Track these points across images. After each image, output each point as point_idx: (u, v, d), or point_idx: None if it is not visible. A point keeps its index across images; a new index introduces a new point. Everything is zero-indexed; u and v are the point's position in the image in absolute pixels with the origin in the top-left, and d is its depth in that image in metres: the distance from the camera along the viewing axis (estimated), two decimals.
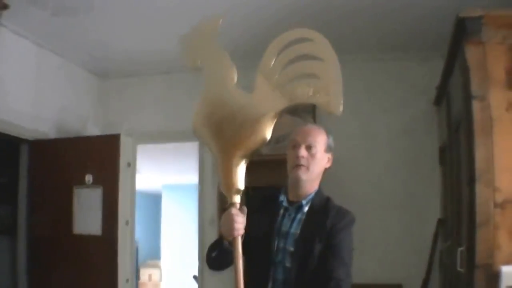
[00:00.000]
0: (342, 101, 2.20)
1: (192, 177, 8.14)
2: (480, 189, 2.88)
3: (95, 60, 5.50)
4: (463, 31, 3.11)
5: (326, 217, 2.46)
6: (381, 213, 5.05)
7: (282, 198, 2.60)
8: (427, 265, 4.75)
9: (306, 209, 2.53)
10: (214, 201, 5.53)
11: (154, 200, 13.48)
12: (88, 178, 4.77)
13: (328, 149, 2.58)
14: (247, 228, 2.29)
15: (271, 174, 5.49)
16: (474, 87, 2.98)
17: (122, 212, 4.78)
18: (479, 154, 2.90)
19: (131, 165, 5.06)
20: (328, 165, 2.61)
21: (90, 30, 4.71)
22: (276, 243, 2.49)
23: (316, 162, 2.51)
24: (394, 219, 5.06)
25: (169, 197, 13.21)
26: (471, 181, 2.93)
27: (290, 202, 2.57)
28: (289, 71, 2.22)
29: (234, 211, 2.23)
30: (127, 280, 4.90)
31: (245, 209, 2.25)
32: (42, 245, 4.79)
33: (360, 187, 5.17)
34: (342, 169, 5.21)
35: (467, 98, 3.01)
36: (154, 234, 13.37)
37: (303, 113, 5.57)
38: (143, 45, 5.09)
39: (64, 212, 4.79)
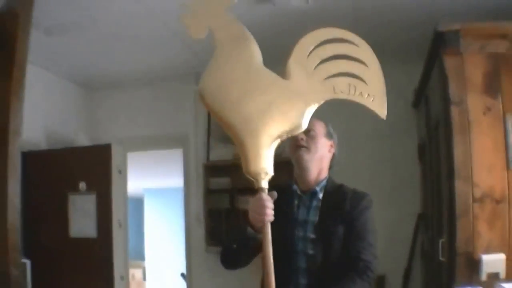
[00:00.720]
0: (386, 106, 2.33)
1: (173, 181, 8.29)
2: (459, 184, 3.08)
3: (82, 73, 5.66)
4: (441, 42, 3.30)
5: (343, 201, 2.45)
6: None
7: (295, 188, 2.56)
8: (408, 256, 4.95)
9: (320, 195, 2.50)
10: (200, 202, 5.69)
11: (136, 203, 13.57)
12: (82, 185, 4.92)
13: (329, 135, 2.58)
14: None
15: (279, 176, 5.63)
16: (452, 93, 3.18)
17: (115, 216, 4.95)
18: (458, 153, 3.11)
19: (122, 172, 5.22)
20: (332, 152, 2.59)
21: (77, 47, 4.88)
22: (295, 232, 2.45)
23: (316, 143, 2.50)
24: (376, 215, 5.25)
25: (151, 201, 13.34)
26: (451, 177, 3.12)
27: (303, 192, 2.53)
28: (331, 66, 2.20)
29: (265, 196, 2.10)
30: (122, 277, 5.06)
31: (275, 194, 2.14)
32: (40, 250, 4.90)
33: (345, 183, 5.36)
34: None
35: (446, 103, 3.21)
36: (137, 236, 13.46)
37: None
38: (128, 58, 5.25)
39: (60, 217, 4.94)
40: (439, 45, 3.35)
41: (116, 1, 4.07)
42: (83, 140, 5.49)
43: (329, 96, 2.22)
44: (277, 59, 5.28)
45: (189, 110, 5.81)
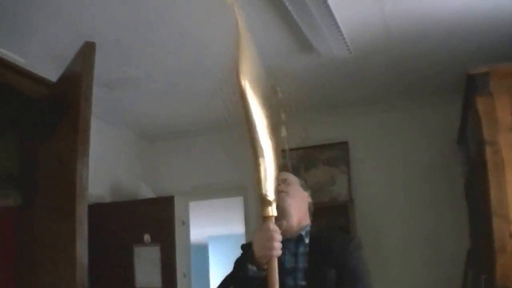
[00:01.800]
0: None
1: (236, 228, 8.32)
2: (496, 222, 3.14)
3: (142, 125, 5.81)
4: (472, 85, 3.42)
5: (331, 244, 2.28)
6: (411, 248, 5.18)
7: None
8: None
9: (307, 240, 2.31)
10: None
11: (201, 250, 13.62)
12: (147, 237, 5.01)
13: (304, 186, 2.47)
14: None
15: (335, 220, 5.63)
16: (485, 134, 3.26)
17: (179, 266, 5.00)
18: (493, 191, 3.18)
19: (185, 223, 5.29)
20: (307, 201, 2.45)
21: (136, 99, 5.05)
22: (285, 281, 2.17)
23: (294, 189, 2.37)
24: (424, 253, 5.16)
25: (215, 248, 13.35)
26: (488, 214, 3.19)
27: (286, 239, 2.21)
28: None
29: (272, 225, 1.87)
30: None
31: (284, 223, 2.04)
32: None
33: (391, 227, 5.30)
34: (371, 211, 5.37)
35: (480, 143, 3.30)
36: (202, 283, 13.46)
37: (338, 163, 5.72)
38: (184, 109, 5.39)
39: (126, 269, 5.02)
40: (471, 88, 3.45)
41: (169, 58, 4.22)
42: (146, 191, 5.59)
43: None
44: (319, 107, 5.34)
45: (246, 158, 5.85)
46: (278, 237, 1.85)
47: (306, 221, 2.40)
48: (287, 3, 3.39)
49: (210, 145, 5.97)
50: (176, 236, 4.98)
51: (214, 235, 13.07)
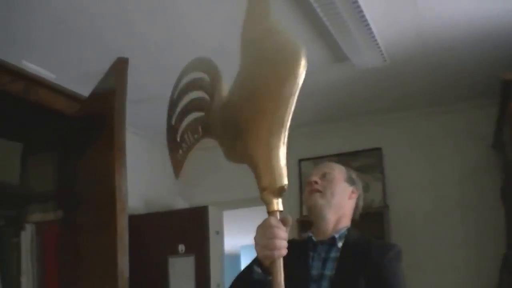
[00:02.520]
0: None
1: None
2: None
3: None
4: (508, 90, 3.49)
5: (368, 249, 2.11)
6: (447, 254, 5.13)
7: (310, 237, 2.23)
8: None
9: (340, 244, 2.15)
10: None
11: (233, 260, 13.60)
12: (181, 247, 5.04)
13: (350, 181, 2.30)
14: None
15: (368, 228, 5.60)
16: None
17: (213, 276, 5.02)
18: None
19: (219, 233, 5.29)
20: (353, 198, 2.29)
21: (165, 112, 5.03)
22: None
23: (333, 187, 2.22)
24: (463, 257, 5.09)
25: (248, 257, 13.21)
26: None
27: (319, 242, 2.19)
28: None
29: (274, 221, 1.52)
30: None
31: (289, 218, 1.57)
32: None
33: (426, 233, 5.25)
34: (406, 217, 5.32)
35: None
36: None
37: (372, 169, 5.67)
38: None
39: (161, 280, 5.05)
40: (507, 92, 3.50)
41: None
42: (180, 202, 5.60)
43: None
44: (353, 114, 5.34)
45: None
46: (282, 234, 1.52)
47: (344, 223, 2.24)
48: (321, 14, 3.40)
49: None
50: (210, 246, 5.01)
51: (247, 244, 13.03)
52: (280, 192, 1.50)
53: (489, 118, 4.63)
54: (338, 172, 2.30)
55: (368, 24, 3.54)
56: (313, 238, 2.21)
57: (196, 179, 6.12)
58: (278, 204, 1.52)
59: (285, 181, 1.52)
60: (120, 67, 2.14)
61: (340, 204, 2.24)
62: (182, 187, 6.01)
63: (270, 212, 1.53)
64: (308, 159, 5.83)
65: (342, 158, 5.68)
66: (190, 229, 5.10)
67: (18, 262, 2.44)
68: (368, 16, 3.44)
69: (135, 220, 5.15)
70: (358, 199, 2.33)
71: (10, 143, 2.50)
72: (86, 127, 2.36)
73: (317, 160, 5.68)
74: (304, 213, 5.77)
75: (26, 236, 2.48)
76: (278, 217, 1.53)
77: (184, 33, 3.69)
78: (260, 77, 1.52)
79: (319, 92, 4.83)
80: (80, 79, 3.34)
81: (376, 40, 3.81)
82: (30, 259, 2.44)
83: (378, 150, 5.65)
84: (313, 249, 2.19)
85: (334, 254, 2.13)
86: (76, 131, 2.40)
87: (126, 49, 3.54)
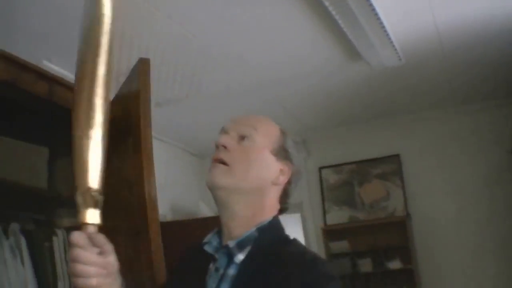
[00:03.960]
0: None
1: None
2: None
3: (196, 143, 5.76)
4: None
5: (279, 270, 1.32)
6: (476, 264, 5.07)
7: (210, 241, 1.47)
8: None
9: (240, 257, 1.36)
10: None
11: None
12: None
13: (282, 153, 1.51)
14: None
15: (369, 240, 5.50)
16: None
17: None
18: None
19: None
20: (282, 180, 1.49)
21: (187, 117, 5.13)
22: None
23: (248, 158, 1.44)
24: (490, 268, 4.95)
25: None
26: None
27: (221, 248, 1.43)
28: None
29: (77, 239, 1.15)
30: None
31: (100, 239, 1.17)
32: None
33: (453, 242, 5.15)
34: (430, 226, 5.16)
35: None
36: None
37: (392, 176, 5.55)
38: None
39: None
40: None
41: (220, 74, 4.14)
42: (204, 210, 5.55)
43: None
44: (369, 120, 5.25)
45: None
46: (87, 257, 1.14)
47: (265, 215, 1.45)
48: (333, 12, 3.32)
49: None
50: None
51: None
52: (89, 197, 1.18)
53: (508, 120, 4.51)
54: (265, 136, 1.50)
55: (381, 21, 3.46)
56: (210, 249, 1.44)
57: None
58: (92, 215, 1.18)
59: (95, 184, 1.20)
60: (142, 68, 2.06)
61: (259, 190, 1.45)
62: (207, 194, 5.91)
63: (81, 225, 1.18)
64: (329, 166, 5.73)
65: (360, 165, 5.63)
66: None
67: (53, 267, 2.38)
68: (380, 13, 3.36)
69: (162, 228, 5.08)
70: (290, 181, 1.53)
71: (36, 148, 2.43)
72: (111, 131, 2.27)
73: (337, 167, 5.58)
74: (328, 221, 5.64)
75: (59, 242, 2.43)
76: (95, 231, 1.18)
77: (206, 38, 3.59)
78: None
79: (336, 93, 4.80)
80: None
81: (390, 38, 3.72)
82: (65, 264, 2.39)
83: (396, 156, 5.54)
84: (213, 259, 1.42)
85: (232, 270, 1.36)
86: None
87: (150, 50, 3.46)
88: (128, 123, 2.08)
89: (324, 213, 5.83)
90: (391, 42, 3.76)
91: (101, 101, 1.26)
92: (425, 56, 4.15)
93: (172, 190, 5.45)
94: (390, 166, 5.72)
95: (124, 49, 3.49)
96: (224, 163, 1.44)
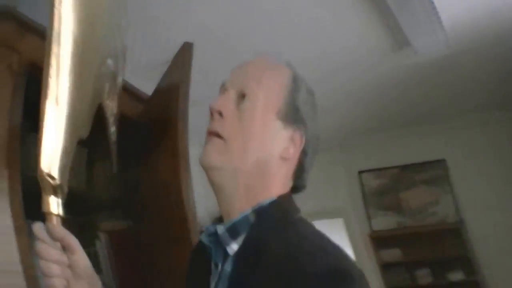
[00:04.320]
0: None
1: None
2: None
3: None
4: None
5: (270, 267, 1.00)
6: None
7: (207, 229, 1.18)
8: None
9: (234, 247, 1.09)
10: (377, 278, 5.32)
11: None
12: None
13: (292, 113, 1.18)
14: None
15: (422, 248, 5.27)
16: None
17: None
18: None
19: None
20: (293, 152, 1.18)
21: None
22: None
23: (247, 129, 1.15)
24: None
25: None
26: None
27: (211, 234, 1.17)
28: None
29: (38, 231, 1.05)
30: None
31: (60, 234, 1.04)
32: None
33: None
34: (487, 232, 4.95)
35: None
36: None
37: (439, 182, 5.35)
38: None
39: None
40: None
41: None
42: None
43: None
44: (414, 123, 4.94)
45: (340, 180, 5.67)
46: (49, 253, 1.02)
47: (268, 194, 1.15)
48: None
49: None
50: None
51: None
52: (47, 183, 1.02)
53: None
54: (270, 91, 1.18)
55: (433, 3, 3.24)
56: (205, 233, 1.18)
57: None
58: (52, 204, 1.03)
59: (51, 170, 1.04)
60: (185, 54, 1.96)
61: (262, 168, 1.15)
62: None
63: (45, 214, 1.05)
64: (369, 170, 5.57)
65: (404, 170, 5.48)
66: None
67: (99, 272, 2.30)
68: None
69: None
70: (304, 151, 1.21)
71: (75, 149, 2.33)
72: (148, 131, 2.20)
73: (378, 172, 5.42)
74: (374, 227, 5.46)
75: (101, 246, 2.37)
76: (56, 223, 1.03)
77: (246, 26, 3.41)
78: None
79: (377, 90, 4.59)
80: (137, 72, 3.15)
81: (441, 21, 3.47)
82: (110, 269, 2.33)
83: (442, 161, 5.35)
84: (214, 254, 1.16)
85: (229, 266, 1.09)
86: (139, 135, 2.24)
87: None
88: (166, 121, 2.00)
89: (369, 218, 5.67)
90: (442, 26, 3.54)
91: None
92: (476, 44, 3.88)
93: (210, 194, 5.36)
94: (436, 171, 5.55)
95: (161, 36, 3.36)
96: (219, 136, 1.16)
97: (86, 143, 2.31)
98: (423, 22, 3.45)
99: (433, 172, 5.55)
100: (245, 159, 1.14)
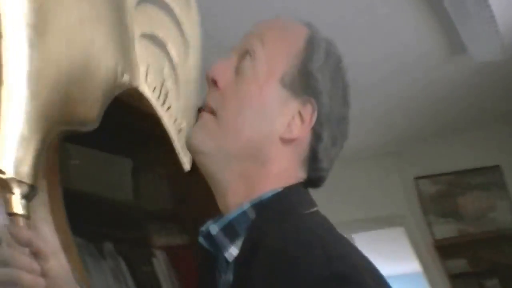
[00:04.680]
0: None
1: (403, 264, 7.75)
2: None
3: None
4: None
5: (288, 266, 0.79)
6: None
7: (206, 229, 0.96)
8: None
9: (233, 252, 0.90)
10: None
11: None
12: None
13: (302, 80, 0.94)
14: None
15: (488, 256, 5.04)
16: None
17: None
18: None
19: None
20: (300, 131, 0.94)
21: None
22: None
23: (241, 102, 0.93)
24: None
25: None
26: None
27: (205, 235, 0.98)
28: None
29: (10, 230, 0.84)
30: None
31: (24, 237, 0.84)
32: None
33: None
34: None
35: None
36: None
37: (494, 187, 5.14)
38: None
39: None
40: None
41: None
42: None
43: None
44: (467, 127, 4.63)
45: (394, 187, 5.50)
46: (9, 256, 0.82)
47: (272, 185, 0.93)
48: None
49: (361, 173, 5.60)
50: None
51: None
52: (2, 179, 0.82)
53: None
54: (275, 52, 0.94)
55: (490, 8, 3.14)
56: (201, 237, 0.96)
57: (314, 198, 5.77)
58: (20, 204, 0.84)
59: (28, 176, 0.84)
60: None
61: (257, 151, 0.93)
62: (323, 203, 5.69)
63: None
64: (425, 177, 5.36)
65: (458, 176, 5.41)
66: None
67: None
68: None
69: None
70: (317, 134, 0.96)
71: (119, 159, 2.20)
72: None
73: (434, 178, 5.31)
74: (437, 235, 5.25)
75: (160, 264, 2.19)
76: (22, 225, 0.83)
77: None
78: None
79: (432, 96, 4.48)
80: None
81: (496, 25, 3.35)
82: None
83: (496, 167, 5.30)
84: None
85: (230, 275, 0.90)
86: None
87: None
88: None
89: (429, 226, 5.46)
90: (498, 32, 3.44)
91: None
92: None
93: None
94: (491, 177, 5.38)
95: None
96: (212, 111, 0.93)
97: (129, 153, 2.18)
98: (480, 28, 3.37)
99: (488, 178, 5.39)
100: (238, 140, 0.92)
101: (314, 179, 1.00)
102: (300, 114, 0.92)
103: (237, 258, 0.88)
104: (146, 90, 1.08)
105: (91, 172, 2.04)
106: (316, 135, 0.95)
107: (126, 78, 1.03)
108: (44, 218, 1.34)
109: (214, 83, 0.94)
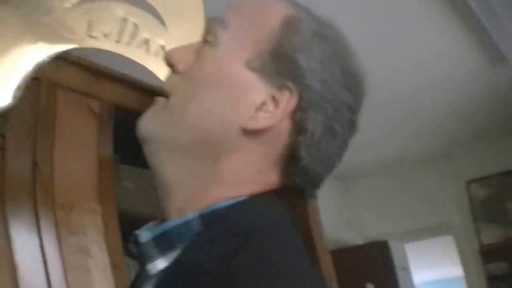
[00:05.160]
0: None
1: (447, 270, 7.56)
2: None
3: (343, 165, 5.42)
4: None
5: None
6: None
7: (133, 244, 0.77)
8: None
9: (159, 265, 0.71)
10: None
11: None
12: (370, 287, 4.59)
13: (277, 64, 0.73)
14: None
15: None
16: None
17: None
18: None
19: (406, 269, 4.87)
20: (270, 121, 0.72)
21: None
22: None
23: (194, 84, 0.75)
24: None
25: None
26: None
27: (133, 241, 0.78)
28: None
29: None
30: None
31: None
32: None
33: None
34: None
35: None
36: None
37: None
38: (379, 144, 4.98)
39: None
40: None
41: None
42: (352, 236, 5.22)
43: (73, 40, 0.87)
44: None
45: (446, 192, 5.39)
46: None
47: (233, 191, 0.72)
48: (476, 10, 3.08)
49: (408, 182, 5.51)
50: (400, 284, 4.54)
51: (427, 280, 12.01)
52: None
53: None
54: (243, 28, 0.76)
55: None
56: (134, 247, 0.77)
57: (361, 211, 5.72)
58: None
59: None
60: None
61: (213, 144, 0.74)
62: (351, 219, 5.64)
63: None
64: (476, 180, 5.31)
65: (508, 177, 5.28)
66: (373, 266, 4.68)
67: None
68: None
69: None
70: (300, 127, 0.74)
71: (147, 172, 2.09)
72: None
73: (483, 180, 5.27)
74: (484, 241, 5.08)
75: None
76: None
77: None
78: None
79: (478, 99, 4.47)
80: None
81: None
82: None
83: None
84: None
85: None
86: None
87: None
88: None
89: (478, 232, 5.28)
90: None
91: None
92: None
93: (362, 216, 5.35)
94: None
95: None
96: (167, 97, 0.78)
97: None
98: None
99: None
100: (187, 127, 0.74)
101: (298, 185, 0.76)
102: (274, 100, 0.73)
103: (161, 274, 0.70)
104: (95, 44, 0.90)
105: (135, 191, 1.98)
106: (297, 126, 0.74)
107: None
108: (96, 241, 1.34)
109: (171, 67, 0.79)
